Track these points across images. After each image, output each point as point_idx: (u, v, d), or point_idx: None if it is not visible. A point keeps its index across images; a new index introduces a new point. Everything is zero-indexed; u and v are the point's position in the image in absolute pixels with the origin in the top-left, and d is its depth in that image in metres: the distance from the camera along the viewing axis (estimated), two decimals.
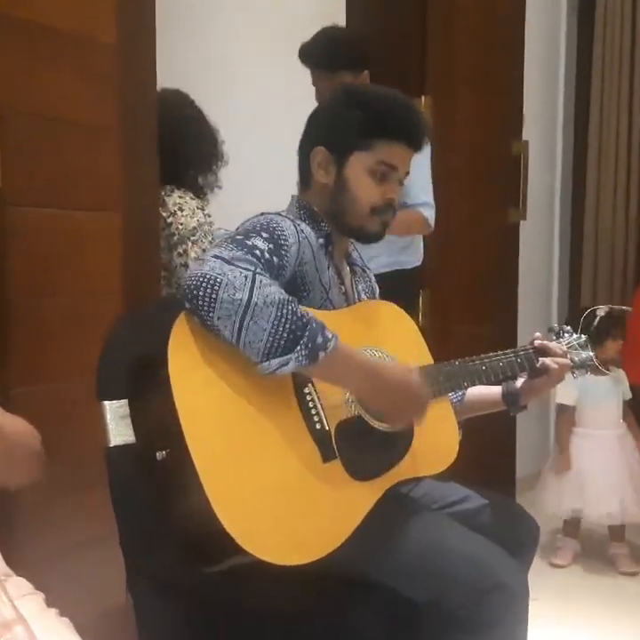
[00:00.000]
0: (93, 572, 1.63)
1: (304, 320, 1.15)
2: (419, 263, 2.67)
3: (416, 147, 1.44)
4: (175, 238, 1.91)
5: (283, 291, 1.18)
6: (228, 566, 1.17)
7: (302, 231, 1.36)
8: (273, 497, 1.16)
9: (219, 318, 1.13)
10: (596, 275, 3.70)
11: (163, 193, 1.92)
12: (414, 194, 2.50)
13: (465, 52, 2.91)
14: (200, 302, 1.13)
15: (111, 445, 1.25)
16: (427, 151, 2.55)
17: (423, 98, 2.85)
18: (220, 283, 1.13)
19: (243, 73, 2.81)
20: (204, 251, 1.91)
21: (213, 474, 1.11)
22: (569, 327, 1.66)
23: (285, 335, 1.13)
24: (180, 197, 1.95)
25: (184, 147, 1.96)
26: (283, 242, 1.28)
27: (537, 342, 1.55)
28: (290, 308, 1.15)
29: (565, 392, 2.97)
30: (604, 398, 2.96)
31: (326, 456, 1.24)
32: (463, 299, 2.97)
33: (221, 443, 1.15)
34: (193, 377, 1.16)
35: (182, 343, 1.16)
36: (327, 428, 1.25)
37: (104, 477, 1.28)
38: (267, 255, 1.23)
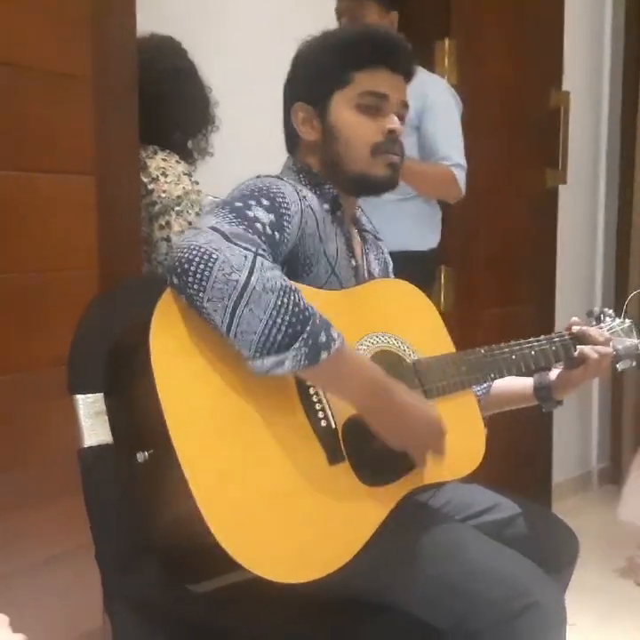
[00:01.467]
0: (67, 591, 1.65)
1: (307, 313, 1.14)
2: (435, 245, 2.67)
3: (402, 70, 1.45)
4: (157, 208, 1.90)
5: (285, 277, 1.17)
6: (220, 585, 1.18)
7: (305, 198, 1.36)
8: (272, 505, 1.16)
9: (209, 300, 1.12)
10: None
11: (144, 154, 1.92)
12: (444, 152, 2.50)
13: None
14: (190, 279, 1.12)
15: (85, 446, 1.26)
16: (452, 105, 2.59)
17: (446, 40, 2.85)
18: (216, 259, 1.12)
19: (234, 17, 2.79)
20: (189, 223, 1.90)
21: (203, 478, 1.11)
22: (611, 311, 1.65)
23: (284, 328, 1.12)
24: (164, 160, 1.94)
25: (171, 103, 1.96)
26: (284, 210, 1.28)
27: (575, 328, 1.55)
28: (292, 297, 1.14)
29: None
30: None
31: (333, 458, 1.24)
32: (492, 277, 2.98)
33: (212, 442, 1.15)
34: (179, 366, 1.15)
35: (167, 326, 1.15)
36: (334, 425, 1.25)
37: (75, 484, 1.29)
38: (268, 230, 1.23)
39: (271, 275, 1.14)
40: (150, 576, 1.25)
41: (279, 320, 1.12)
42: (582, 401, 3.85)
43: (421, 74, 2.64)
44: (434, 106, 2.54)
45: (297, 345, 1.13)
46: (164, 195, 1.90)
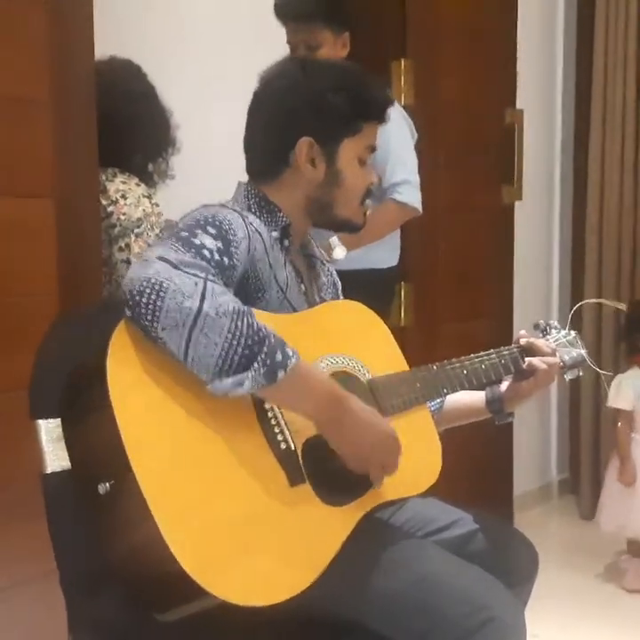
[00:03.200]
0: (32, 616, 1.63)
1: (261, 334, 1.16)
2: (395, 263, 2.69)
3: (384, 122, 1.51)
4: (117, 230, 1.90)
5: (237, 300, 1.18)
6: (185, 613, 1.18)
7: (251, 224, 1.37)
8: (235, 529, 1.17)
9: (163, 329, 1.13)
10: (601, 263, 3.71)
11: (103, 177, 1.92)
12: (389, 172, 2.51)
13: (450, 7, 2.94)
14: (143, 310, 1.13)
15: (48, 471, 1.26)
16: (402, 128, 2.61)
17: (402, 61, 2.89)
18: (167, 289, 1.13)
19: (193, 42, 2.81)
20: (149, 246, 1.91)
21: (166, 507, 1.11)
22: (556, 323, 1.68)
23: (240, 351, 1.14)
24: (124, 183, 1.94)
25: (131, 126, 1.96)
26: (231, 237, 1.29)
27: (522, 340, 1.58)
28: (246, 320, 1.15)
29: (620, 395, 3.04)
30: None
31: (293, 479, 1.25)
32: (451, 292, 3.01)
33: (173, 471, 1.15)
34: (137, 397, 1.16)
35: (123, 357, 1.16)
36: (293, 447, 1.26)
37: (37, 509, 1.28)
38: (217, 256, 1.24)
39: (223, 300, 1.15)
40: (115, 602, 1.24)
41: (235, 342, 1.14)
42: (541, 413, 3.90)
43: None
44: (388, 128, 2.55)
45: (255, 365, 1.14)
46: (123, 217, 1.90)
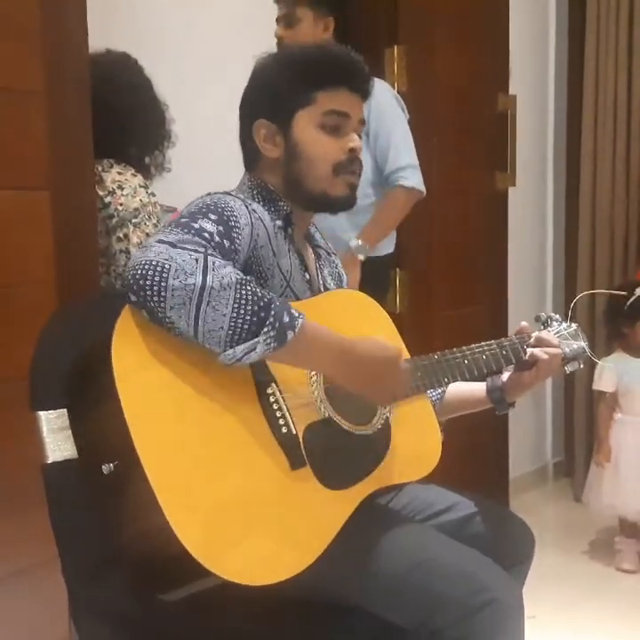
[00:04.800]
0: (33, 605, 1.64)
1: (266, 300, 1.18)
2: (391, 251, 2.71)
3: (361, 91, 1.49)
4: (114, 221, 1.90)
5: (238, 271, 1.20)
6: (188, 593, 1.19)
7: (254, 211, 1.38)
8: (237, 510, 1.18)
9: (171, 308, 1.14)
10: (595, 248, 3.72)
11: (99, 168, 1.92)
12: (392, 157, 2.54)
13: None
14: (149, 292, 1.14)
15: (49, 461, 1.27)
16: (396, 109, 2.62)
17: (395, 48, 2.88)
18: (169, 268, 1.14)
19: (188, 33, 2.80)
20: (148, 235, 1.90)
21: (169, 487, 1.12)
22: (557, 316, 1.69)
23: (248, 318, 1.15)
24: (120, 174, 1.94)
25: (127, 119, 1.95)
26: (233, 223, 1.30)
27: (533, 335, 1.58)
28: (249, 288, 1.17)
29: (604, 378, 3.08)
30: None
31: (294, 463, 1.26)
32: (445, 279, 3.01)
33: (177, 453, 1.16)
34: (141, 380, 1.17)
35: (127, 342, 1.17)
36: (294, 431, 1.28)
37: (39, 498, 1.29)
38: (217, 238, 1.25)
39: (225, 271, 1.17)
40: (118, 586, 1.25)
41: (242, 311, 1.15)
42: (536, 397, 3.91)
43: None
44: (380, 109, 2.57)
45: (265, 330, 1.16)
46: (121, 208, 1.90)
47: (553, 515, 3.73)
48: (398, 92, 2.79)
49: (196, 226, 1.24)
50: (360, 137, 1.49)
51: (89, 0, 1.75)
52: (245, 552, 1.16)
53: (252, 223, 1.35)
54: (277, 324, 1.17)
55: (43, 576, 1.52)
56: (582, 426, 3.75)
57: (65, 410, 1.26)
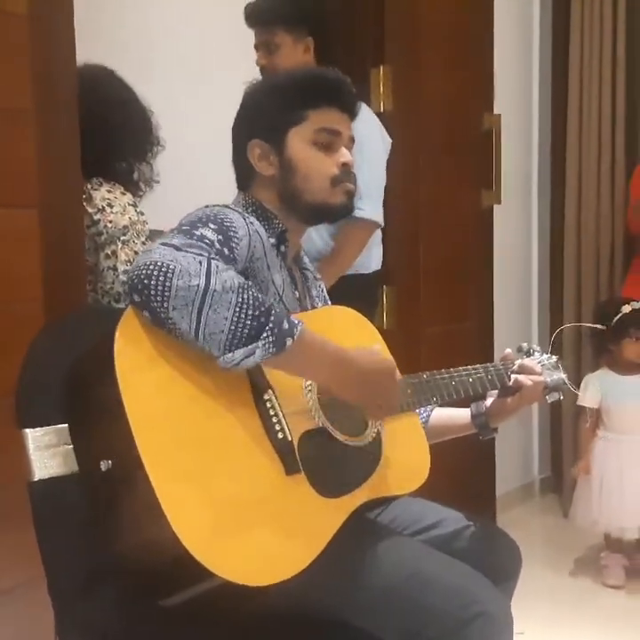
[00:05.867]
0: (18, 623, 1.62)
1: (266, 305, 1.19)
2: (379, 267, 2.71)
3: (349, 110, 1.54)
4: (103, 238, 1.90)
5: (240, 275, 1.21)
6: (185, 598, 1.18)
7: (252, 224, 1.40)
8: (234, 511, 1.18)
9: (174, 308, 1.15)
10: (580, 265, 3.74)
11: (89, 186, 1.92)
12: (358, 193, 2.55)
13: (428, 13, 2.95)
14: (153, 292, 1.15)
15: (35, 479, 1.26)
16: (373, 139, 2.60)
17: (381, 68, 2.90)
18: (174, 269, 1.15)
19: (177, 44, 2.81)
20: (136, 253, 1.91)
21: (169, 484, 1.12)
22: (539, 347, 1.72)
23: (248, 322, 1.16)
24: (110, 192, 1.94)
25: (112, 134, 1.95)
26: (232, 234, 1.32)
27: (516, 362, 1.61)
28: (250, 292, 1.18)
29: (588, 394, 3.09)
30: (629, 399, 3.07)
31: (289, 468, 1.27)
32: (432, 295, 3.02)
33: (176, 451, 1.16)
34: (142, 380, 1.17)
35: (131, 340, 1.17)
36: (289, 438, 1.28)
37: (25, 516, 1.28)
38: (217, 245, 1.27)
39: (227, 275, 1.18)
40: (105, 604, 1.24)
41: (243, 315, 1.16)
42: (523, 413, 3.91)
43: None
44: (359, 139, 2.57)
45: (264, 335, 1.17)
46: (110, 225, 1.90)
47: (540, 531, 3.73)
48: (384, 111, 2.81)
49: (198, 233, 1.26)
50: (351, 153, 1.53)
51: (76, 16, 1.76)
52: (242, 552, 1.17)
53: (249, 235, 1.37)
54: (277, 330, 1.18)
55: (29, 594, 1.50)
56: (569, 442, 3.76)
57: (52, 427, 1.26)
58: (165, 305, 1.15)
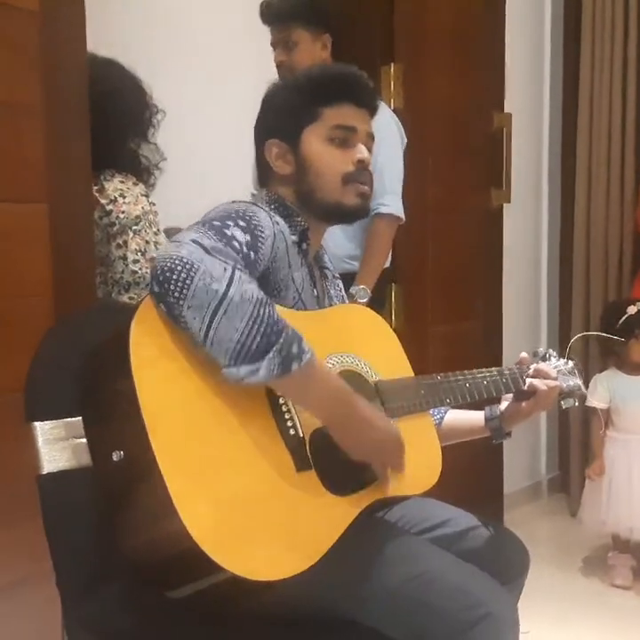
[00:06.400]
0: (26, 618, 1.63)
1: (280, 325, 1.18)
2: (388, 265, 2.72)
3: (366, 104, 1.53)
4: (115, 228, 1.91)
5: (261, 291, 1.20)
6: (195, 589, 1.18)
7: (277, 223, 1.40)
8: (244, 505, 1.18)
9: (189, 308, 1.14)
10: (589, 263, 3.73)
11: (102, 177, 1.93)
12: (379, 191, 2.56)
13: (439, 11, 2.95)
14: (172, 286, 1.14)
15: (44, 472, 1.26)
16: (392, 136, 2.62)
17: (392, 66, 2.90)
18: (198, 269, 1.15)
19: (188, 42, 2.81)
20: (147, 242, 1.92)
21: (180, 478, 1.12)
22: (555, 352, 1.71)
23: (258, 338, 1.15)
24: (122, 182, 1.95)
25: (108, 123, 1.91)
26: (259, 233, 1.32)
27: (531, 367, 1.60)
28: (267, 309, 1.17)
29: (596, 395, 3.09)
30: (638, 399, 3.06)
31: (300, 465, 1.26)
32: (441, 294, 3.01)
33: (188, 444, 1.16)
34: (157, 371, 1.17)
35: (147, 330, 1.17)
36: (301, 435, 1.28)
37: (34, 510, 1.28)
38: (245, 249, 1.27)
39: (248, 287, 1.17)
40: (113, 599, 1.25)
41: (254, 330, 1.15)
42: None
43: None
44: (378, 135, 2.59)
45: (271, 354, 1.16)
46: (122, 215, 1.92)
47: (548, 530, 3.72)
48: (394, 109, 2.81)
49: (228, 234, 1.26)
50: (370, 150, 1.52)
51: (87, 12, 1.76)
52: (250, 546, 1.17)
53: (274, 234, 1.37)
54: (284, 352, 1.17)
55: (36, 588, 1.51)
56: (577, 442, 3.75)
57: (60, 420, 1.26)
58: (181, 302, 1.14)
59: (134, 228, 1.92)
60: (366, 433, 1.30)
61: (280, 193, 1.52)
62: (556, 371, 1.64)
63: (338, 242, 2.56)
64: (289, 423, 1.27)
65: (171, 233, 2.08)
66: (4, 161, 1.63)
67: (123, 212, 1.91)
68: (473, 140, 3.14)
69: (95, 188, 1.90)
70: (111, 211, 1.91)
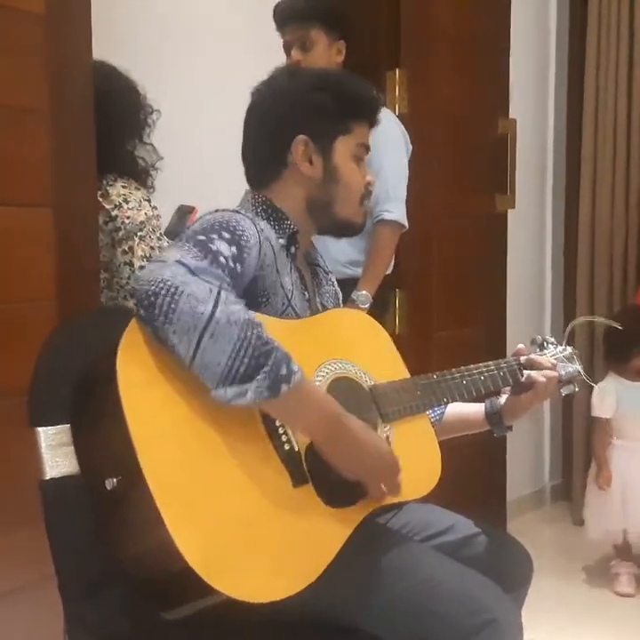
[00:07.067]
0: (28, 623, 1.63)
1: (268, 346, 1.16)
2: (389, 271, 2.72)
3: (375, 124, 1.55)
4: (121, 233, 1.91)
5: (249, 311, 1.19)
6: (189, 611, 1.18)
7: (262, 231, 1.38)
8: (239, 527, 1.17)
9: (174, 332, 1.13)
10: (593, 270, 3.73)
11: (105, 182, 1.93)
12: (377, 188, 2.56)
13: (444, 16, 2.95)
14: (157, 311, 1.13)
15: (47, 478, 1.26)
16: (397, 143, 2.63)
17: (397, 70, 2.90)
18: (182, 292, 1.14)
19: (189, 42, 2.81)
20: (152, 248, 1.92)
21: (173, 504, 1.12)
22: (553, 339, 1.69)
23: (246, 360, 1.14)
24: (124, 187, 1.95)
25: (103, 126, 1.88)
26: (244, 243, 1.31)
27: (522, 358, 1.59)
28: (255, 331, 1.16)
29: (604, 404, 3.07)
30: None
31: (297, 480, 1.26)
32: (445, 300, 3.01)
33: (180, 468, 1.16)
34: (146, 395, 1.16)
35: (133, 356, 1.16)
36: (296, 448, 1.27)
37: (36, 514, 1.28)
38: (231, 263, 1.26)
39: (235, 308, 1.16)
40: (115, 604, 1.24)
41: (242, 353, 1.14)
42: (534, 420, 3.91)
43: None
44: (379, 140, 2.59)
45: (259, 377, 1.15)
46: (128, 221, 1.91)
47: (551, 538, 3.71)
48: (399, 114, 2.81)
49: (214, 248, 1.25)
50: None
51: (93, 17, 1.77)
52: (247, 569, 1.16)
53: (260, 243, 1.35)
54: (273, 374, 1.15)
55: (39, 593, 1.51)
56: (580, 449, 3.74)
57: (64, 426, 1.26)
58: (167, 326, 1.13)
59: (140, 233, 1.92)
60: (357, 453, 1.28)
61: (275, 193, 1.48)
62: (554, 358, 1.62)
63: (340, 247, 2.56)
64: (283, 438, 1.26)
65: (183, 210, 2.09)
66: (9, 164, 1.63)
67: (128, 218, 1.91)
68: (477, 146, 3.14)
69: (99, 192, 1.90)
70: (116, 216, 1.91)
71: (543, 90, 3.91)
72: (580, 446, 3.75)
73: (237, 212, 1.40)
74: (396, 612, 1.29)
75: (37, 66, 1.66)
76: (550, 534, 3.73)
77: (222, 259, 1.24)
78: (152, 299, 1.14)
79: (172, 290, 1.14)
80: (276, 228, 1.45)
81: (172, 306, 1.13)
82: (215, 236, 1.27)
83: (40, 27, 1.67)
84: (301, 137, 1.46)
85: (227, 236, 1.29)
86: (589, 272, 3.74)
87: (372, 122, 1.53)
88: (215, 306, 1.14)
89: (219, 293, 1.16)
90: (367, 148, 1.52)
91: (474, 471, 2.98)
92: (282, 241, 1.45)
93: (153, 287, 1.14)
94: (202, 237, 1.27)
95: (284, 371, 1.16)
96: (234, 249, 1.27)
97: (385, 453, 1.32)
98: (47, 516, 1.28)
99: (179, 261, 1.18)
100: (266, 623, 1.21)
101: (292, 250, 1.47)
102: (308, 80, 1.51)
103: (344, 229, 1.53)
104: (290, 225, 1.47)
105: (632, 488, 3.00)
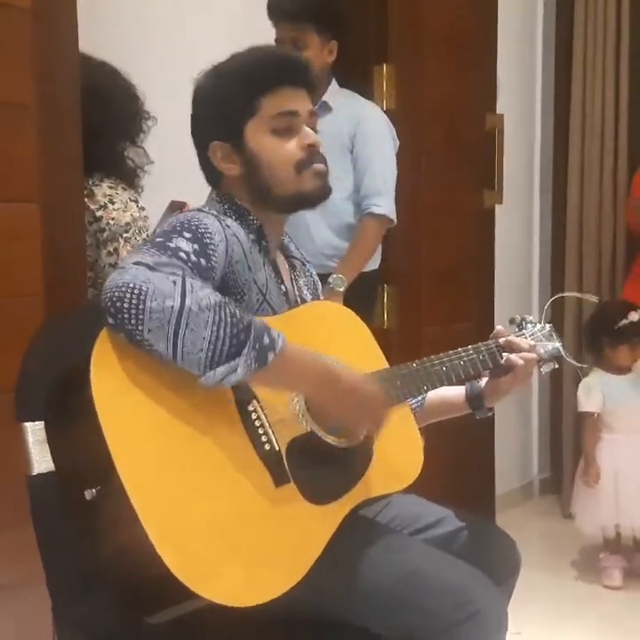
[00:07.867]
0: (16, 621, 1.62)
1: (245, 322, 1.17)
2: (376, 267, 2.72)
3: (302, 83, 1.46)
4: (105, 234, 1.90)
5: (216, 292, 1.19)
6: (174, 615, 1.17)
7: (229, 227, 1.37)
8: (222, 530, 1.17)
9: (149, 331, 1.13)
10: (582, 266, 3.74)
11: (90, 182, 1.91)
12: (367, 182, 2.60)
13: (431, 12, 2.95)
14: (126, 315, 1.13)
15: (34, 473, 1.26)
16: (384, 137, 2.63)
17: (384, 66, 2.90)
18: (147, 291, 1.13)
19: (180, 37, 2.80)
20: (127, 253, 1.90)
21: (152, 510, 1.11)
22: (531, 317, 1.69)
23: (228, 340, 1.15)
24: (111, 188, 1.93)
25: (93, 125, 1.86)
26: (208, 240, 1.29)
27: (501, 340, 1.57)
28: (228, 310, 1.16)
29: (589, 400, 3.08)
30: (629, 399, 3.07)
31: (278, 480, 1.25)
32: (433, 295, 3.01)
33: (159, 476, 1.15)
34: (121, 404, 1.15)
35: (107, 364, 1.16)
36: (277, 448, 1.27)
37: (25, 511, 1.28)
38: (193, 257, 1.25)
39: (203, 294, 1.16)
40: (103, 602, 1.24)
41: (222, 333, 1.14)
42: (523, 412, 3.92)
43: (355, 98, 2.71)
44: (367, 133, 2.59)
45: (245, 351, 1.15)
46: (112, 222, 1.89)
47: (539, 531, 3.72)
48: (387, 110, 2.81)
49: (172, 245, 1.24)
50: (315, 130, 1.47)
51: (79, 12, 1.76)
52: (231, 573, 1.15)
53: (226, 239, 1.34)
54: (258, 346, 1.16)
55: (27, 591, 1.50)
56: (569, 442, 3.76)
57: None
58: (140, 328, 1.13)
59: (125, 235, 1.90)
60: (351, 396, 1.30)
61: (232, 193, 1.47)
62: (533, 338, 1.61)
63: (326, 240, 2.57)
64: (263, 438, 1.26)
65: (175, 205, 2.07)
66: None
67: (113, 219, 1.89)
68: (465, 141, 3.13)
69: (84, 192, 1.89)
70: (101, 217, 1.89)
71: (530, 85, 3.91)
72: (569, 439, 3.76)
73: (200, 210, 1.39)
74: (382, 603, 1.30)
75: (23, 61, 1.65)
76: (539, 527, 3.74)
77: (183, 254, 1.24)
78: (118, 304, 1.13)
79: (137, 291, 1.13)
80: (244, 224, 1.44)
81: (140, 307, 1.12)
82: (175, 236, 1.27)
83: (26, 21, 1.65)
84: (214, 143, 1.45)
85: (187, 234, 1.28)
86: (577, 267, 3.76)
87: (292, 82, 1.44)
88: (183, 296, 1.14)
89: (183, 282, 1.15)
90: (291, 113, 1.43)
91: (462, 464, 2.99)
92: (251, 236, 1.43)
93: (116, 293, 1.14)
94: (160, 239, 1.26)
95: (266, 340, 1.18)
96: (195, 245, 1.26)
97: (375, 392, 1.34)
98: (35, 512, 1.28)
99: (136, 262, 1.18)
100: (256, 621, 1.20)
101: (263, 244, 1.46)
102: (207, 80, 1.48)
103: (300, 203, 1.47)
104: (253, 220, 1.45)
105: (623, 482, 3.01)
